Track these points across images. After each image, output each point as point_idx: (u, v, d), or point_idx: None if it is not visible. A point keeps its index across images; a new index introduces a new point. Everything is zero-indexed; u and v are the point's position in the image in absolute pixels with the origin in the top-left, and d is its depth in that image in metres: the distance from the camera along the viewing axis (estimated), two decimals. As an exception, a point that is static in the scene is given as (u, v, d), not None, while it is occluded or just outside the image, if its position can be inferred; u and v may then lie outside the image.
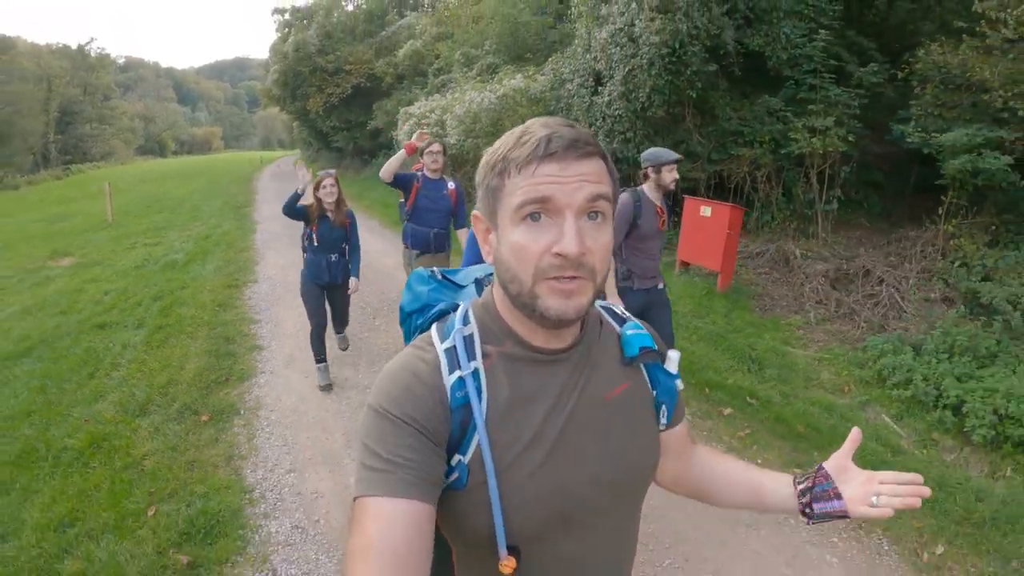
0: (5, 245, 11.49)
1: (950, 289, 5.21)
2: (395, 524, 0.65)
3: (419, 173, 4.33)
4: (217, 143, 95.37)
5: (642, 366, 0.87)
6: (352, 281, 4.43)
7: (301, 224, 4.21)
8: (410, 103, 13.44)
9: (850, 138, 6.12)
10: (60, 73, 47.55)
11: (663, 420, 0.88)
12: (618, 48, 6.67)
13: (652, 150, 3.33)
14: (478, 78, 11.51)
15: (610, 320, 0.90)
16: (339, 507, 2.97)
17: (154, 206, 16.48)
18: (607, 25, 6.90)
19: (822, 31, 6.32)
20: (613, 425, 0.81)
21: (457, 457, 0.74)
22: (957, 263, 5.22)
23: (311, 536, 2.78)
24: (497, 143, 0.75)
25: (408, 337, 0.94)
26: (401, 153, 4.12)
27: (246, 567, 2.59)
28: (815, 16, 6.68)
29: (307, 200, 4.08)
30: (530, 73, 9.24)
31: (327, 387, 4.30)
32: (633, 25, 6.41)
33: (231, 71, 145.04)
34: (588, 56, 7.52)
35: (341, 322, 4.68)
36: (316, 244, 4.18)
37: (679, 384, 0.90)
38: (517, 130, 0.74)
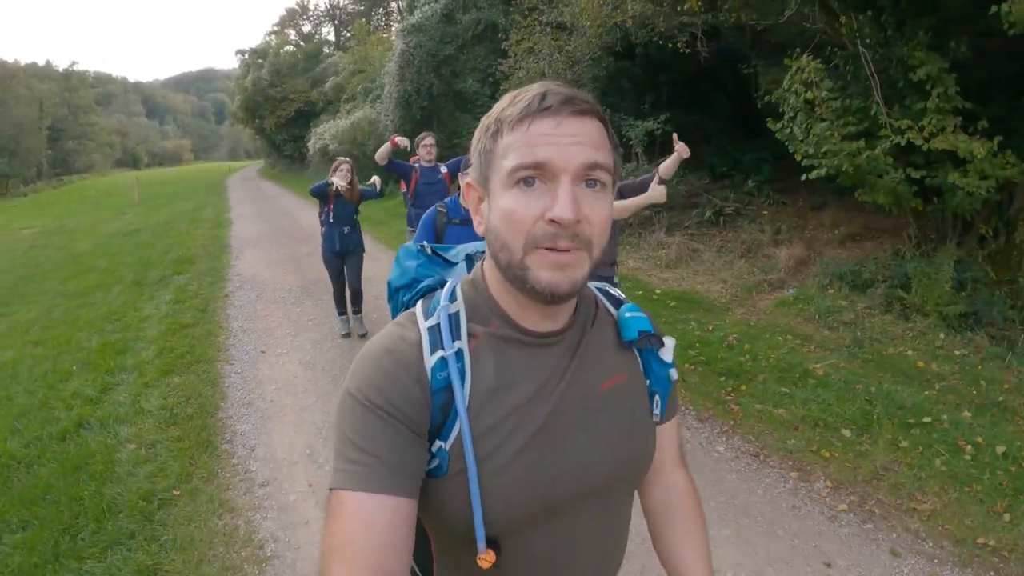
0: (75, 214, 19.35)
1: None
2: (375, 521, 0.63)
3: (416, 164, 4.99)
4: (187, 155, 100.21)
5: (637, 352, 0.83)
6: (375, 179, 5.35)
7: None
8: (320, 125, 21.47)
9: None
10: (49, 95, 53.94)
11: (656, 412, 0.83)
12: (389, 97, 14.98)
13: None
14: (362, 107, 19.55)
15: (606, 303, 0.85)
16: (247, 222, 11.18)
17: (158, 196, 24.36)
18: (387, 86, 15.24)
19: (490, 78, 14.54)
20: (605, 416, 0.76)
21: (438, 443, 0.70)
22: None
23: (246, 240, 10.95)
24: (493, 107, 0.72)
25: (395, 314, 0.88)
26: (387, 144, 4.81)
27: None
28: (486, 68, 14.80)
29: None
30: (369, 106, 17.53)
31: (347, 335, 5.22)
32: (390, 85, 14.71)
33: (197, 83, 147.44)
34: (385, 98, 15.78)
35: (357, 295, 5.28)
36: (332, 220, 4.96)
37: (673, 374, 0.85)
38: (511, 92, 0.71)
